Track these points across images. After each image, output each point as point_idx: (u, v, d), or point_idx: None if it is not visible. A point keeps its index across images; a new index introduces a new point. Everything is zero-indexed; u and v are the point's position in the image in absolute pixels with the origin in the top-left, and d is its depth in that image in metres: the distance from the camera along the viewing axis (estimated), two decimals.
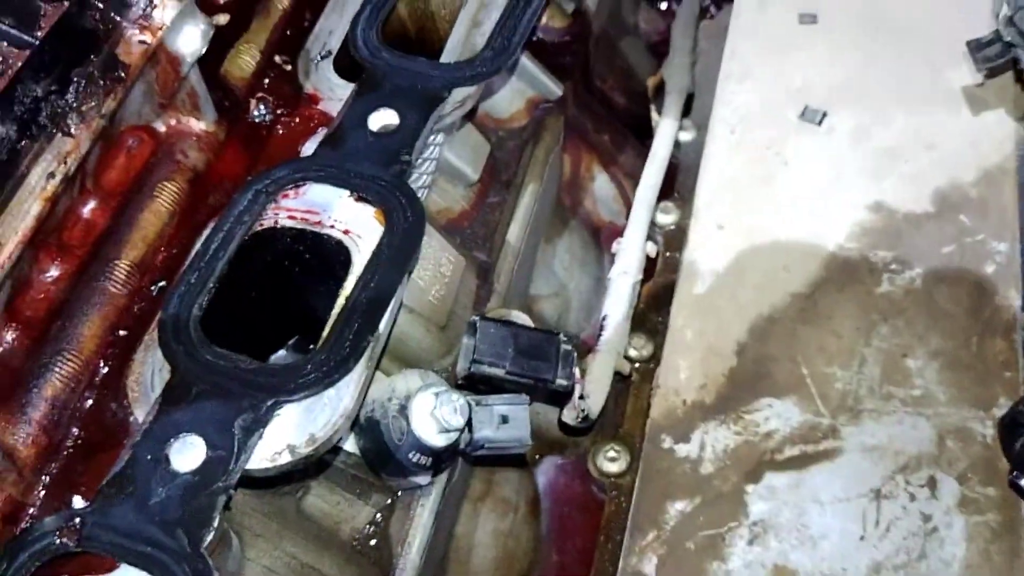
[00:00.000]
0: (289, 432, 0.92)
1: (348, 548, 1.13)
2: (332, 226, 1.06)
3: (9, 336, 0.95)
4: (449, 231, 1.37)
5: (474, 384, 1.14)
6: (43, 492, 0.93)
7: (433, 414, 1.04)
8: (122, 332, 1.02)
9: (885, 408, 1.23)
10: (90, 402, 0.99)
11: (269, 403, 0.93)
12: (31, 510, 0.92)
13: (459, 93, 1.18)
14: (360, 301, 0.99)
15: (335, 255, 1.04)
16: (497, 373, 1.11)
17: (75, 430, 0.96)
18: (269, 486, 1.01)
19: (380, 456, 1.06)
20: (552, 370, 1.13)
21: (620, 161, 1.65)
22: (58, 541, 0.84)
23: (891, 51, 1.59)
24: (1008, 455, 1.15)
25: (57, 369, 0.96)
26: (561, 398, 1.23)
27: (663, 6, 1.95)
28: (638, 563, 1.15)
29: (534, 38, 1.56)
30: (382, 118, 1.14)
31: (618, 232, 1.55)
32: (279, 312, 1.06)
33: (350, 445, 1.10)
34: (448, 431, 1.05)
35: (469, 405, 1.11)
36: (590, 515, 1.36)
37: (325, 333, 0.97)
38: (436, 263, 1.27)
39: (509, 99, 1.49)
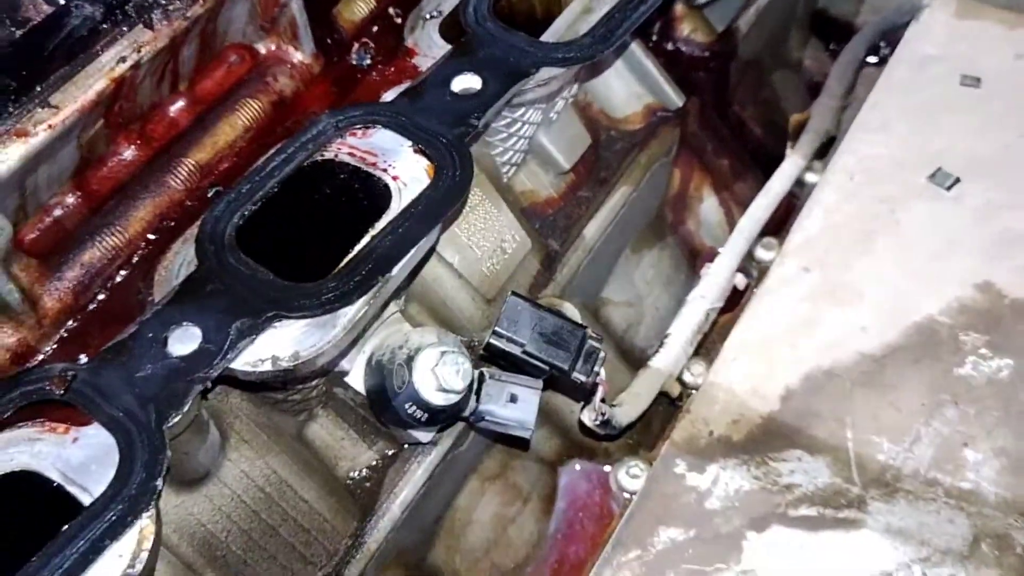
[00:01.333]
0: (278, 345, 0.96)
1: (338, 483, 1.15)
2: (385, 170, 1.09)
3: (70, 200, 1.04)
4: (529, 214, 1.37)
5: (495, 358, 1.15)
6: (55, 345, 1.01)
7: (434, 371, 1.05)
8: (170, 223, 1.10)
9: (925, 493, 1.14)
10: (121, 277, 1.06)
11: (269, 314, 0.96)
12: (39, 356, 1.01)
13: (546, 72, 1.18)
14: (383, 243, 1.01)
15: (380, 197, 1.07)
16: (513, 350, 1.11)
17: (100, 297, 1.04)
18: (253, 390, 1.05)
19: (380, 400, 1.08)
20: (570, 361, 1.12)
21: (735, 189, 1.60)
22: (47, 387, 0.92)
23: None
24: None
25: (100, 240, 1.04)
26: (586, 396, 1.21)
27: (835, 47, 1.86)
28: None
29: (670, 46, 1.54)
30: (465, 81, 1.16)
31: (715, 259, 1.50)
32: (318, 239, 1.09)
33: (360, 384, 1.12)
34: (446, 391, 1.05)
35: (482, 375, 1.11)
36: (602, 526, 1.33)
37: (341, 265, 1.00)
38: (499, 237, 1.28)
39: (626, 100, 1.48)
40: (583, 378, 1.13)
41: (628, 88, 1.47)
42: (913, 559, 1.09)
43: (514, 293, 1.13)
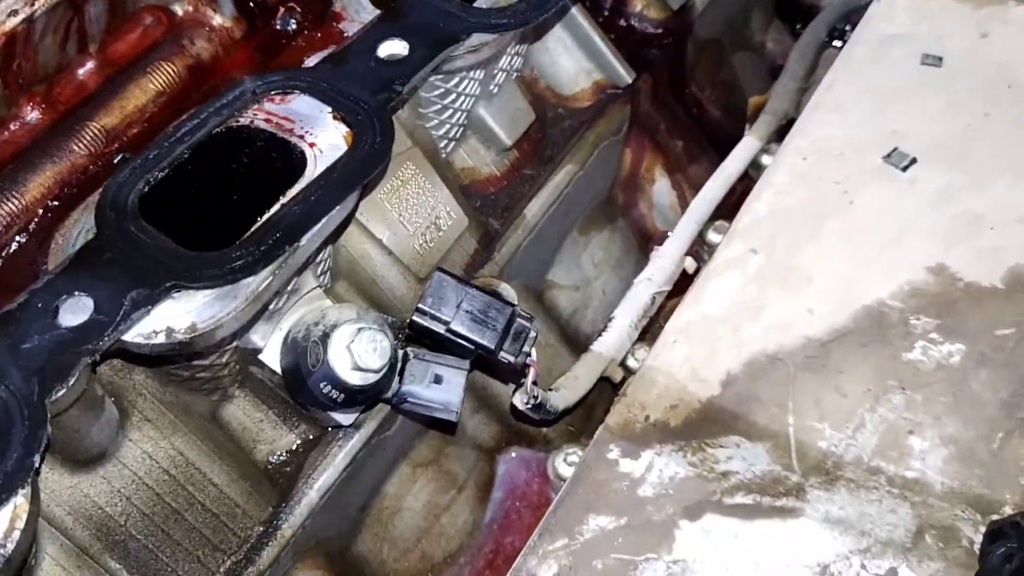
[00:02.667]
0: (175, 316, 0.91)
1: (254, 467, 1.10)
2: (302, 136, 1.04)
3: None
4: (469, 192, 1.32)
5: (420, 337, 1.09)
6: None
7: (350, 348, 1.00)
8: (72, 190, 1.04)
9: (867, 482, 1.09)
10: (17, 245, 1.01)
11: (167, 285, 0.91)
12: None
13: (476, 39, 1.13)
14: (292, 212, 0.97)
15: (295, 165, 1.02)
16: (437, 328, 1.06)
17: None
18: (153, 365, 0.99)
19: (295, 380, 1.03)
20: (497, 340, 1.07)
21: (689, 171, 1.55)
22: None
23: (1014, 113, 1.41)
24: (981, 562, 0.98)
25: None
26: (517, 378, 1.16)
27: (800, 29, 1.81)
28: (536, 566, 1.06)
29: (622, 22, 1.49)
30: (392, 47, 1.12)
31: None
32: (227, 208, 1.04)
33: (276, 363, 1.07)
34: (363, 370, 1.00)
35: (407, 355, 1.06)
36: (539, 516, 1.26)
37: (247, 234, 0.95)
38: (433, 214, 1.23)
39: (574, 77, 1.43)
40: (511, 358, 1.08)
41: (576, 64, 1.42)
42: (852, 550, 1.04)
43: (440, 269, 1.08)
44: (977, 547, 1.02)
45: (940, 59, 1.49)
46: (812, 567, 1.03)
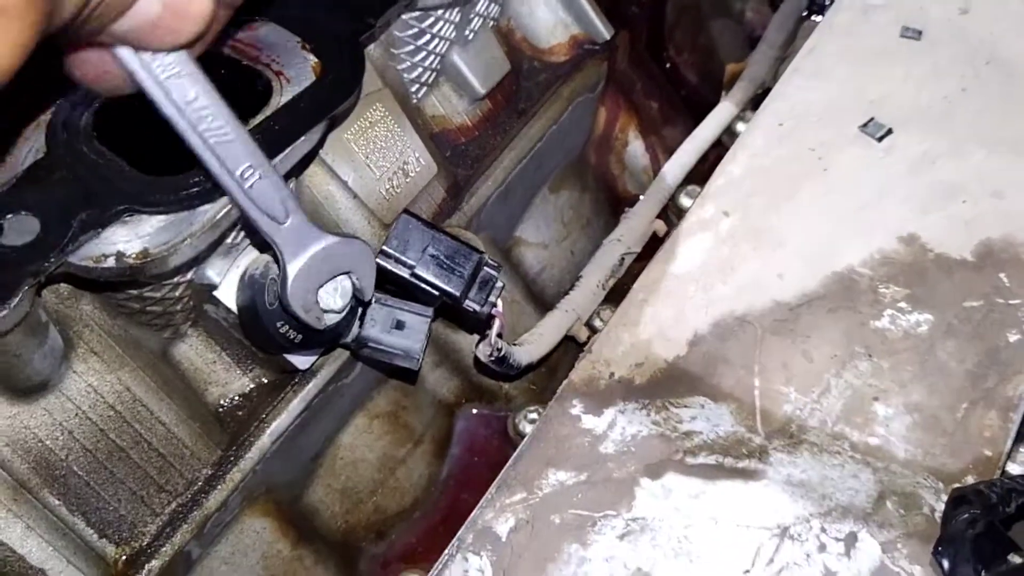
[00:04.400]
0: (127, 241, 0.87)
1: (204, 409, 1.06)
2: (268, 65, 1.00)
3: None
4: (440, 140, 1.29)
5: (384, 281, 1.06)
6: None
7: None
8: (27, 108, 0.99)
9: (831, 446, 1.07)
10: None
11: (119, 208, 0.87)
12: None
13: None
14: (256, 141, 0.92)
15: (261, 94, 0.98)
16: (401, 272, 1.02)
17: None
18: (99, 290, 0.95)
19: (251, 318, 0.99)
20: (462, 287, 1.03)
21: (664, 134, 1.52)
22: None
23: (991, 87, 1.40)
24: (943, 527, 0.97)
25: None
26: (481, 329, 1.13)
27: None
28: (492, 519, 1.04)
29: None
30: None
31: None
32: None
33: (232, 302, 1.03)
34: (323, 310, 0.96)
35: (367, 300, 1.03)
36: (497, 474, 1.25)
37: None
38: (401, 159, 1.19)
39: (551, 29, 1.39)
40: (476, 307, 1.05)
41: (554, 16, 1.39)
42: (813, 513, 1.02)
43: (407, 211, 1.04)
44: (938, 515, 1.01)
45: (920, 32, 1.47)
46: (772, 529, 1.02)
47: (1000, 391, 1.10)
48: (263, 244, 0.97)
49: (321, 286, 0.94)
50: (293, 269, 0.89)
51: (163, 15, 0.64)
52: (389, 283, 1.05)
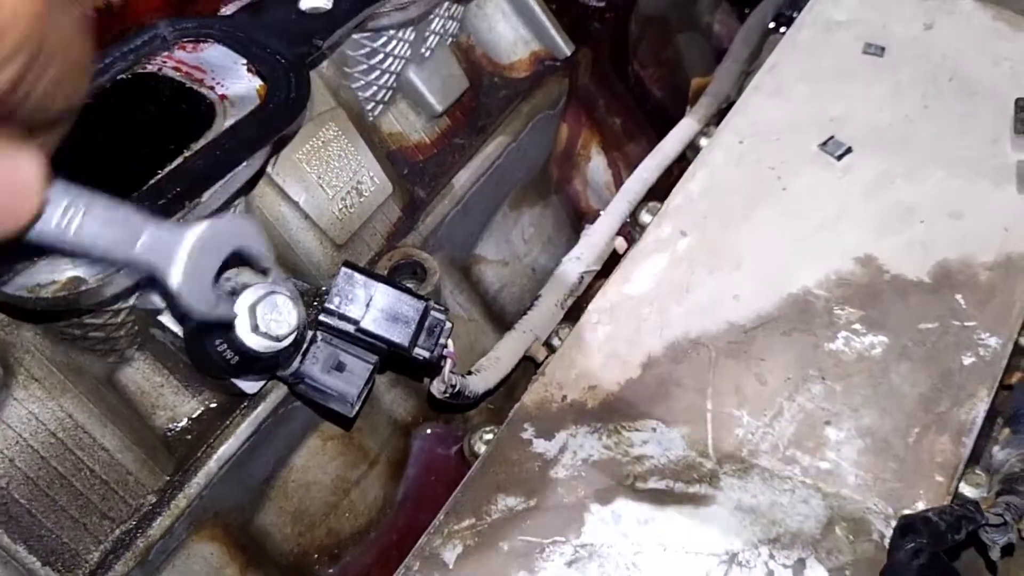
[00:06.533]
0: (60, 269, 0.85)
1: (150, 434, 1.05)
2: (212, 87, 0.99)
3: None
4: (396, 158, 1.28)
5: (331, 336, 1.04)
6: None
7: (255, 309, 0.94)
8: None
9: (781, 471, 1.07)
10: None
11: None
12: None
13: None
14: (195, 165, 0.91)
15: (204, 117, 0.97)
16: (347, 328, 1.00)
17: None
18: (38, 320, 0.94)
19: (192, 336, 0.98)
20: (410, 337, 1.01)
21: (626, 150, 1.52)
22: None
23: (954, 106, 1.40)
24: (889, 556, 0.97)
25: None
26: (434, 371, 1.11)
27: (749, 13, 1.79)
28: (440, 546, 1.03)
29: None
30: (314, 0, 1.06)
31: None
32: (128, 158, 0.99)
33: (177, 325, 1.02)
34: (265, 336, 0.95)
35: (315, 335, 1.01)
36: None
37: (146, 186, 0.90)
38: (355, 178, 1.18)
39: (512, 45, 1.39)
40: (426, 354, 1.02)
41: (515, 32, 1.38)
42: (762, 539, 1.02)
43: (347, 263, 1.01)
44: (887, 541, 1.00)
45: (883, 49, 1.47)
46: (720, 555, 1.01)
47: (953, 415, 1.10)
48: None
49: (215, 276, 0.87)
50: (175, 276, 0.79)
51: None
52: (336, 337, 1.03)
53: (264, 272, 0.91)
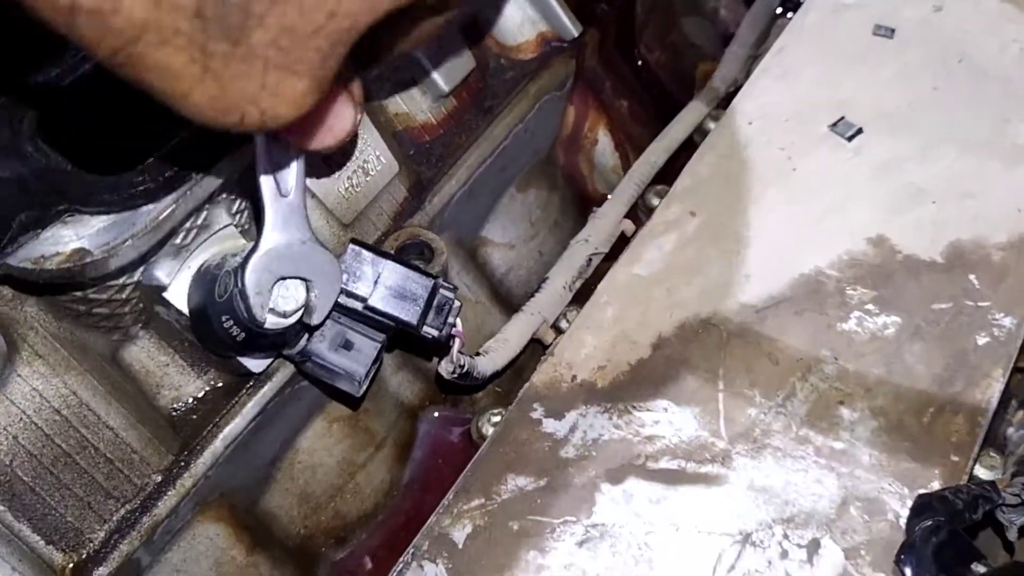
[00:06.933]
0: (67, 241, 0.84)
1: (155, 413, 1.04)
2: None
3: None
4: (403, 138, 1.26)
5: (339, 314, 1.02)
6: None
7: None
8: None
9: (794, 451, 1.06)
10: None
11: (60, 207, 0.85)
12: None
13: None
14: (202, 138, 0.90)
15: None
16: (355, 306, 0.99)
17: None
18: (41, 293, 0.92)
19: (199, 311, 0.96)
20: (418, 315, 0.99)
21: (633, 133, 1.51)
22: None
23: (963, 88, 1.39)
24: (906, 535, 0.95)
25: None
26: (442, 350, 1.10)
27: None
28: (449, 526, 1.02)
29: None
30: None
31: None
32: (133, 131, 0.97)
33: (183, 303, 1.00)
34: (273, 312, 0.94)
35: (315, 323, 1.00)
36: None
37: (151, 159, 0.88)
38: (361, 157, 1.17)
39: (519, 26, 1.37)
40: (434, 332, 1.01)
41: (522, 13, 1.37)
42: (776, 519, 1.01)
43: (354, 240, 1.00)
44: (903, 521, 0.99)
45: (892, 30, 1.46)
46: (733, 535, 1.00)
47: (968, 395, 1.09)
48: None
49: (281, 278, 0.91)
50: (267, 243, 0.87)
51: (330, 125, 0.76)
52: (343, 315, 1.02)
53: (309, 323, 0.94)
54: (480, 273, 1.34)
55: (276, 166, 0.85)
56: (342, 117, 0.76)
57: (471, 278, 1.32)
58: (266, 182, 0.85)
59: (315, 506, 1.17)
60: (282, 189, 0.86)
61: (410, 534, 1.05)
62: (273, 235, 0.87)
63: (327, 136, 0.76)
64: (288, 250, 0.88)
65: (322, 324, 0.98)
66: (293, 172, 0.86)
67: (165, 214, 0.87)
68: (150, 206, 0.86)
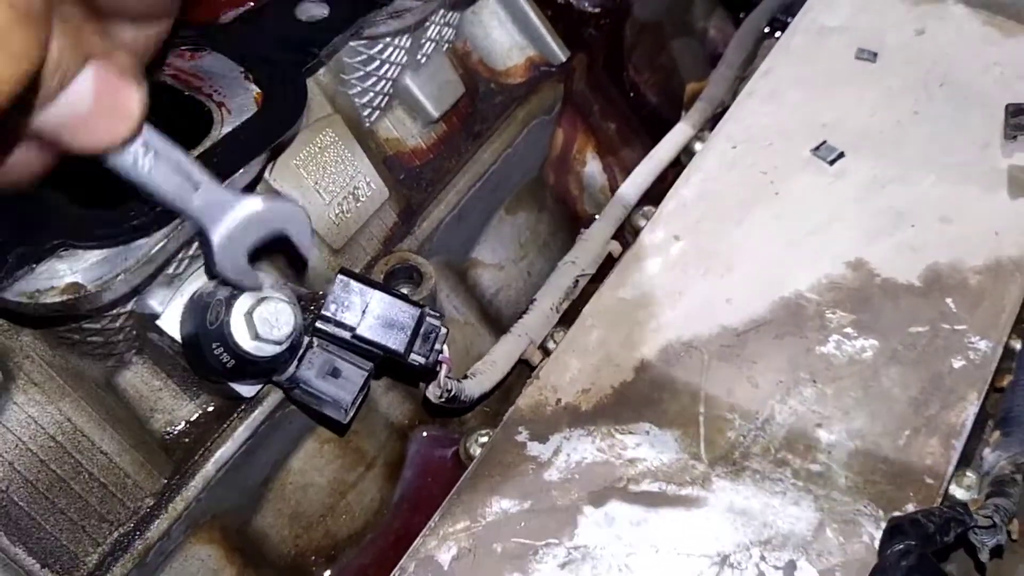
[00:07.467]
0: (61, 275, 0.87)
1: (148, 437, 1.06)
2: (210, 95, 1.00)
3: None
4: (393, 163, 1.29)
5: (327, 343, 1.05)
6: None
7: (251, 314, 0.96)
8: None
9: (772, 473, 1.08)
10: None
11: (55, 242, 0.87)
12: None
13: (400, 3, 1.10)
14: None
15: (202, 125, 0.98)
16: (343, 335, 1.01)
17: None
18: (37, 325, 0.95)
19: (191, 339, 0.99)
20: (405, 343, 1.02)
21: (622, 155, 1.53)
22: None
23: (945, 112, 1.41)
24: (878, 558, 0.98)
25: None
26: (430, 376, 1.12)
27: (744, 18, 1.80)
28: (435, 548, 1.04)
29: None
30: (311, 9, 1.08)
31: None
32: None
33: (176, 330, 1.03)
34: (261, 340, 0.96)
35: (312, 341, 1.03)
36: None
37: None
38: (351, 183, 1.19)
39: (507, 51, 1.40)
40: (421, 360, 1.03)
41: (510, 39, 1.39)
42: (753, 541, 1.03)
43: (343, 270, 1.02)
44: (877, 543, 1.02)
45: (875, 54, 1.49)
46: (712, 556, 1.02)
47: (943, 418, 1.11)
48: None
49: (252, 247, 0.89)
50: (217, 235, 0.85)
51: (94, 111, 0.59)
52: (332, 344, 1.04)
53: (303, 264, 0.93)
54: (470, 294, 1.37)
55: (162, 177, 0.78)
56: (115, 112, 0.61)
57: (460, 299, 1.35)
58: (167, 197, 0.79)
59: (306, 525, 1.19)
60: (186, 191, 0.81)
61: (400, 553, 1.07)
62: (215, 228, 0.84)
63: (115, 123, 0.62)
64: (237, 225, 0.85)
65: (305, 349, 1.00)
66: (181, 171, 0.79)
67: (157, 248, 0.89)
68: (143, 240, 0.89)
